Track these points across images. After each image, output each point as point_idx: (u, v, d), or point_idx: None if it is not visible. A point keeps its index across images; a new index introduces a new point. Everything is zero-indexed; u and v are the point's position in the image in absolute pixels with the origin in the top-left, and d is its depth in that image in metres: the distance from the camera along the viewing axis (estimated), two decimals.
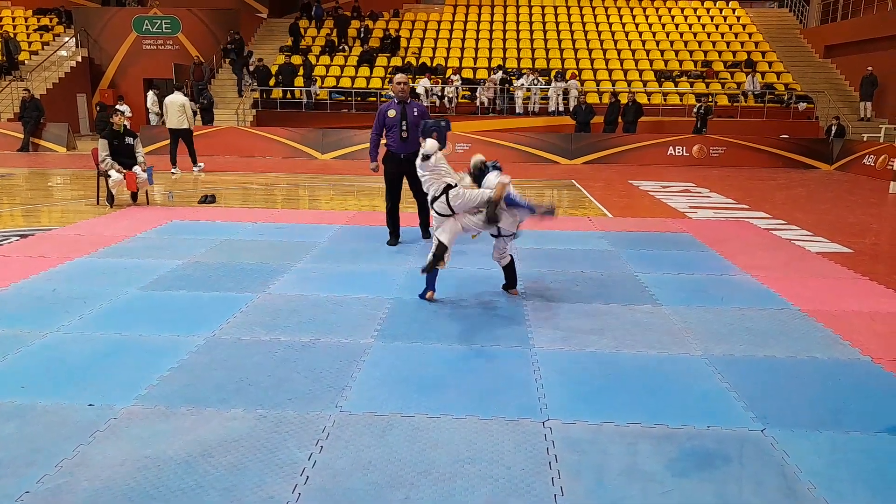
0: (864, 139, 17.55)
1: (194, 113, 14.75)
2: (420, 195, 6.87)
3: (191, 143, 13.93)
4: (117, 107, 19.03)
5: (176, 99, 13.62)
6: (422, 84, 19.27)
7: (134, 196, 9.39)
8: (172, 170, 13.52)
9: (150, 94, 19.39)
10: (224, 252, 6.62)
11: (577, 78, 19.99)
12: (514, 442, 3.08)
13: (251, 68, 20.60)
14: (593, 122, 18.00)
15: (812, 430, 3.23)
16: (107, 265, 6.03)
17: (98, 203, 9.37)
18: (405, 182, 7.04)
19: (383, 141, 7.04)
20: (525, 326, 4.62)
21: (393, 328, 4.54)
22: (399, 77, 6.89)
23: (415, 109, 6.86)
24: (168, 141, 14.01)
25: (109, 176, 9.07)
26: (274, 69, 20.60)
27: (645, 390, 3.65)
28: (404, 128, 6.76)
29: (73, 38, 22.94)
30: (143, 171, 9.26)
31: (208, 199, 9.73)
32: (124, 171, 9.08)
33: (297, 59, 20.91)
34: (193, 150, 13.99)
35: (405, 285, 5.56)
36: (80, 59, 22.48)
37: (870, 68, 18.98)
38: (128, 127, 9.65)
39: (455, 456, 2.95)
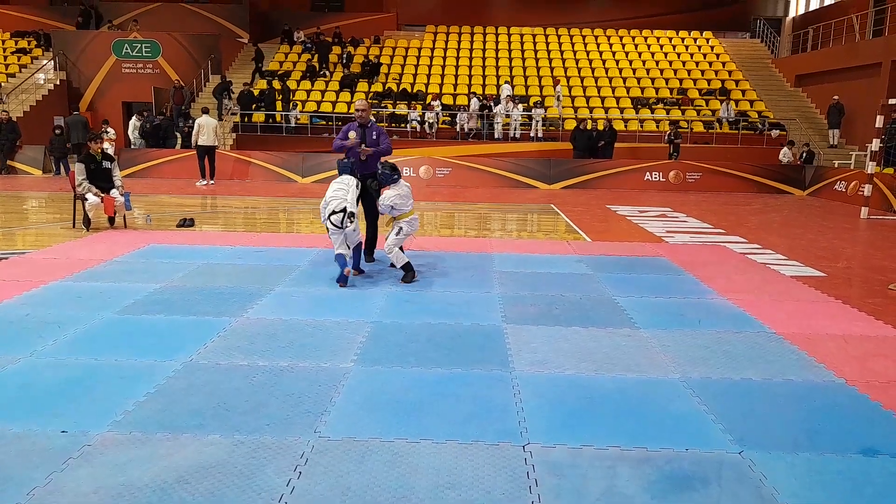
0: (836, 165, 17.95)
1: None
2: (371, 216, 7.34)
3: (214, 159, 16.27)
4: (103, 132, 18.90)
5: (210, 121, 16.19)
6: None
7: (111, 220, 9.31)
8: (210, 181, 16.18)
9: (133, 119, 19.25)
10: (202, 276, 6.57)
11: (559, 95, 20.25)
12: (495, 466, 3.07)
13: (233, 92, 20.63)
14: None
15: (789, 452, 3.26)
16: (82, 289, 5.95)
17: (74, 226, 9.27)
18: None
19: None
20: (505, 350, 4.62)
21: (372, 352, 4.52)
22: (359, 104, 7.29)
23: (374, 133, 7.27)
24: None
25: (86, 199, 8.99)
26: (255, 93, 20.64)
27: (624, 413, 3.66)
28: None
29: (52, 61, 22.79)
30: (121, 195, 9.20)
31: (187, 223, 9.67)
32: (102, 194, 9.02)
33: (276, 84, 20.97)
34: (214, 167, 16.33)
35: (385, 309, 5.55)
36: (58, 81, 22.31)
37: (836, 97, 19.49)
38: (107, 151, 9.59)
39: (435, 481, 2.94)
